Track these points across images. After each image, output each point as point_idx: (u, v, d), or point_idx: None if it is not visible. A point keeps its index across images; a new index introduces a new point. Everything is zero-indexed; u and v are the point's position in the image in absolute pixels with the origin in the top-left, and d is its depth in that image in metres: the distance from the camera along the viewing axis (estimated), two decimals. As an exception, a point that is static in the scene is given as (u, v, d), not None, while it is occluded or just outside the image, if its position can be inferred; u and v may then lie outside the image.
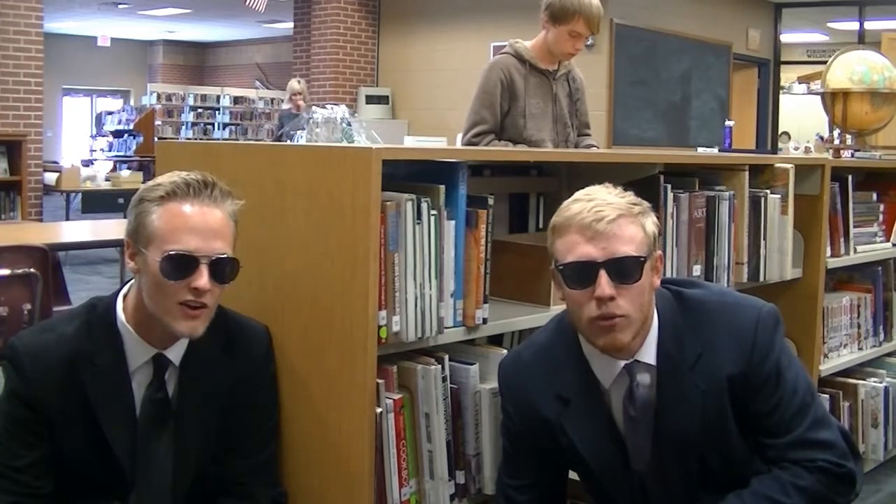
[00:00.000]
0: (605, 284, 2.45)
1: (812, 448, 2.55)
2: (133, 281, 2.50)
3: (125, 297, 2.50)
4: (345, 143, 4.04)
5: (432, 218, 2.66)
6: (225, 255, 2.41)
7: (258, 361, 2.64)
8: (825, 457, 2.54)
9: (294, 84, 11.32)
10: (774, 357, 2.58)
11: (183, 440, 2.52)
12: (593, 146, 5.02)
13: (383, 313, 2.56)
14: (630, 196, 2.56)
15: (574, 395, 2.65)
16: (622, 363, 2.60)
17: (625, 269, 2.46)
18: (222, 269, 2.41)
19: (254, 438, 2.63)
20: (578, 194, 2.57)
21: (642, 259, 2.48)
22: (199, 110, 25.93)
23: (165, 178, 2.42)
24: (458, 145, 5.17)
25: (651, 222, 2.55)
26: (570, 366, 2.66)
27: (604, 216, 2.46)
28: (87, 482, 2.47)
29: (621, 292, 2.46)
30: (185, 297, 2.36)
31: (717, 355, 2.57)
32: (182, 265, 2.35)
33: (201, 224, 2.38)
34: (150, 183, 2.44)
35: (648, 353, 2.60)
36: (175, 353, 2.50)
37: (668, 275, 3.43)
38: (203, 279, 2.36)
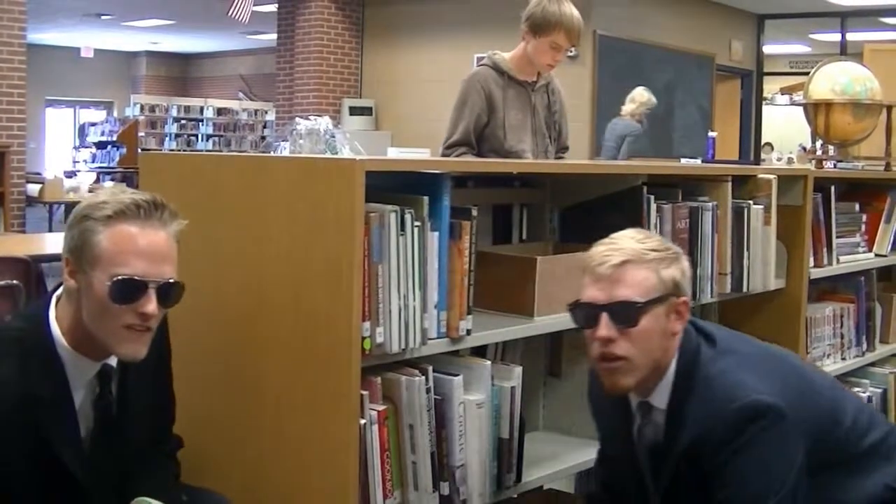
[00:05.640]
0: (602, 326, 2.57)
1: None
2: (62, 298, 2.42)
3: (57, 317, 2.41)
4: (328, 155, 4.03)
5: (416, 229, 2.66)
6: (172, 280, 2.37)
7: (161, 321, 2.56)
8: None
9: (652, 98, 10.65)
10: (730, 450, 2.57)
11: (131, 432, 2.51)
12: None
13: (367, 325, 2.56)
14: (654, 242, 2.68)
15: (612, 413, 2.87)
16: (636, 401, 2.76)
17: (622, 314, 2.57)
18: (170, 294, 2.37)
19: (169, 391, 2.68)
20: (608, 237, 2.71)
21: (639, 304, 2.56)
22: (183, 122, 25.91)
23: (111, 197, 2.36)
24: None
25: (675, 269, 2.65)
26: (609, 407, 2.86)
27: (608, 261, 2.59)
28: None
29: (623, 335, 2.58)
30: (131, 320, 2.32)
31: (701, 437, 2.62)
32: (131, 290, 2.31)
33: (150, 248, 2.33)
34: (94, 200, 2.37)
35: (661, 398, 2.71)
36: (114, 358, 2.46)
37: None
38: (152, 304, 2.32)
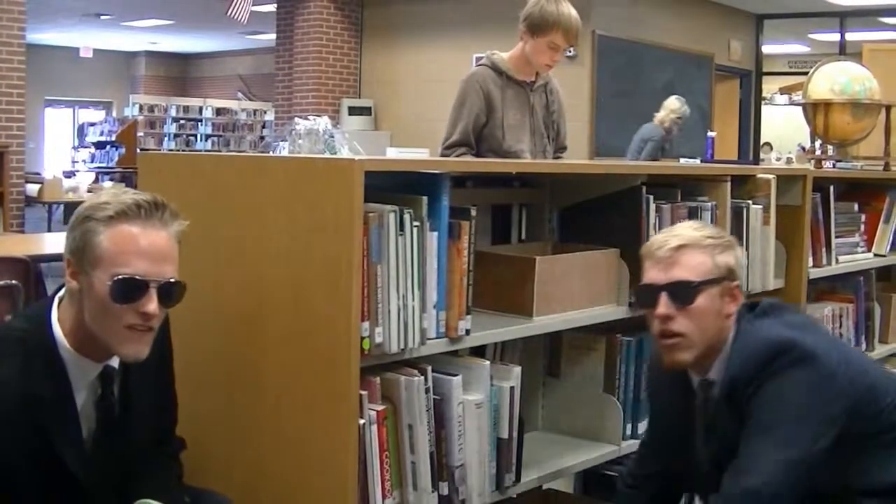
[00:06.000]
0: (661, 304, 2.79)
1: (744, 473, 2.67)
2: (64, 299, 2.42)
3: (59, 318, 2.40)
4: (327, 155, 4.03)
5: (415, 229, 2.66)
6: (174, 280, 2.37)
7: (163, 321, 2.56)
8: (750, 485, 2.64)
9: (684, 108, 10.83)
10: (759, 382, 2.71)
11: (133, 433, 2.51)
12: None
13: (366, 325, 2.56)
14: (708, 230, 2.92)
15: (674, 396, 3.01)
16: (697, 380, 2.91)
17: (679, 293, 2.78)
18: (171, 294, 2.37)
19: (171, 392, 2.68)
20: (667, 227, 3.04)
21: (695, 284, 2.78)
22: (182, 122, 25.90)
23: (112, 197, 2.36)
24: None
25: (729, 255, 2.85)
26: (670, 388, 3.01)
27: (667, 245, 2.82)
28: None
29: (681, 313, 2.78)
30: (133, 320, 2.32)
31: (736, 375, 2.80)
32: (132, 289, 2.31)
33: (151, 247, 2.33)
34: (96, 200, 2.38)
35: (718, 373, 2.86)
36: (115, 359, 2.46)
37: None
38: (153, 304, 2.32)
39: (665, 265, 2.81)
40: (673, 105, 10.73)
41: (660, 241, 2.85)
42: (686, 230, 2.88)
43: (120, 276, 2.30)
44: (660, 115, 10.73)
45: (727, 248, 2.87)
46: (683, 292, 2.78)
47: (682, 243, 2.81)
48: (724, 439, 2.81)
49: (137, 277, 2.31)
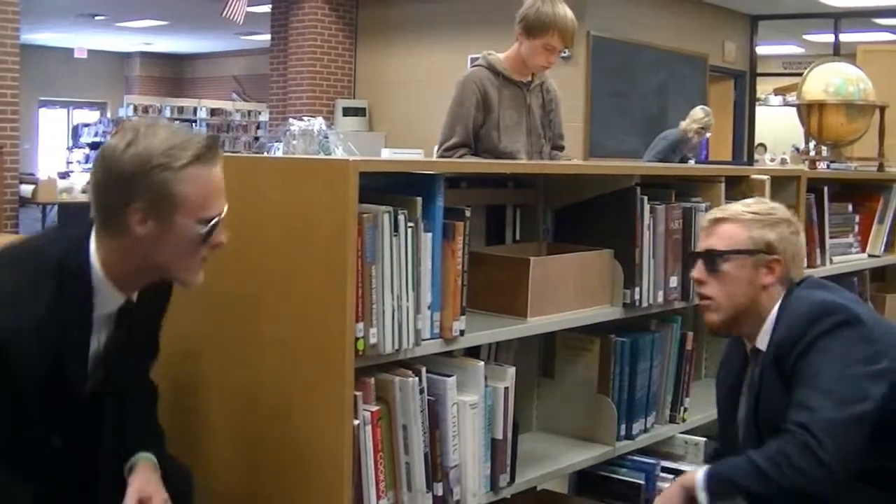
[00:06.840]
0: (695, 270, 3.08)
1: (798, 410, 2.74)
2: (102, 234, 2.41)
3: (96, 247, 2.42)
4: (322, 156, 4.03)
5: (409, 230, 2.66)
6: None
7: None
8: (800, 419, 2.71)
9: (707, 118, 10.77)
10: (806, 342, 2.83)
11: (130, 364, 2.61)
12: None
13: (360, 325, 2.56)
14: (758, 207, 3.11)
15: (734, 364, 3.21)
16: (749, 347, 3.11)
17: (708, 260, 3.04)
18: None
19: (158, 335, 2.75)
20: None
21: (720, 253, 3.01)
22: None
23: (172, 137, 2.36)
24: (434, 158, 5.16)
25: (770, 231, 3.03)
26: (734, 357, 3.22)
27: (710, 216, 3.11)
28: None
29: (712, 278, 3.03)
30: (207, 253, 2.44)
31: (783, 337, 2.93)
32: (217, 228, 2.41)
33: (221, 185, 2.43)
34: (161, 146, 2.32)
35: (764, 341, 3.02)
36: (135, 294, 2.53)
37: (647, 285, 3.46)
38: (223, 236, 2.43)
39: (704, 235, 3.10)
40: (696, 115, 10.76)
41: (708, 215, 3.13)
42: (736, 205, 3.11)
43: (213, 220, 2.39)
44: (683, 124, 10.77)
45: (769, 225, 3.04)
46: (711, 259, 3.02)
47: (721, 217, 3.07)
48: (769, 403, 2.95)
49: (220, 217, 2.41)
